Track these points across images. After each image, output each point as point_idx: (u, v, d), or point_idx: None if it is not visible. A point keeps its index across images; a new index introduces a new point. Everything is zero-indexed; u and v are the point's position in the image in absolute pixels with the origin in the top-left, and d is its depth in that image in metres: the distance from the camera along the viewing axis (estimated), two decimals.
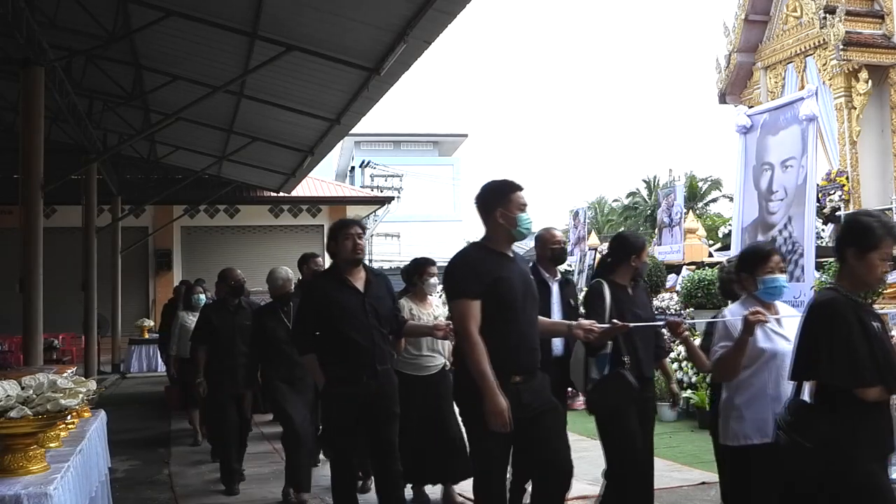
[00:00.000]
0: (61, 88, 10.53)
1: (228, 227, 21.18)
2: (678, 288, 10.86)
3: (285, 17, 8.49)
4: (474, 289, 3.43)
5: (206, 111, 12.30)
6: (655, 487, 4.36)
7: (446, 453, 5.20)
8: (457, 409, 3.84)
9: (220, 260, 16.01)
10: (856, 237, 2.91)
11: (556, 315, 4.80)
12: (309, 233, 21.55)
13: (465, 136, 44.47)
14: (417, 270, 5.46)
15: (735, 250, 8.51)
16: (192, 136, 14.70)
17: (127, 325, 16.89)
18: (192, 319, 7.63)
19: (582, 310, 4.65)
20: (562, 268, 5.48)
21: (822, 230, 13.39)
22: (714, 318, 4.06)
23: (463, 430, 3.93)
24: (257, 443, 7.50)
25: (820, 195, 12.88)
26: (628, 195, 40.54)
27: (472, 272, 3.48)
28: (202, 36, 9.64)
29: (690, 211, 19.72)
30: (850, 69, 13.98)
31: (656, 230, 16.09)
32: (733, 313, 3.52)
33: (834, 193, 14.13)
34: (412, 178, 37.31)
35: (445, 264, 3.69)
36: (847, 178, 14.15)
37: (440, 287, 5.60)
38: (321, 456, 6.42)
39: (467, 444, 3.72)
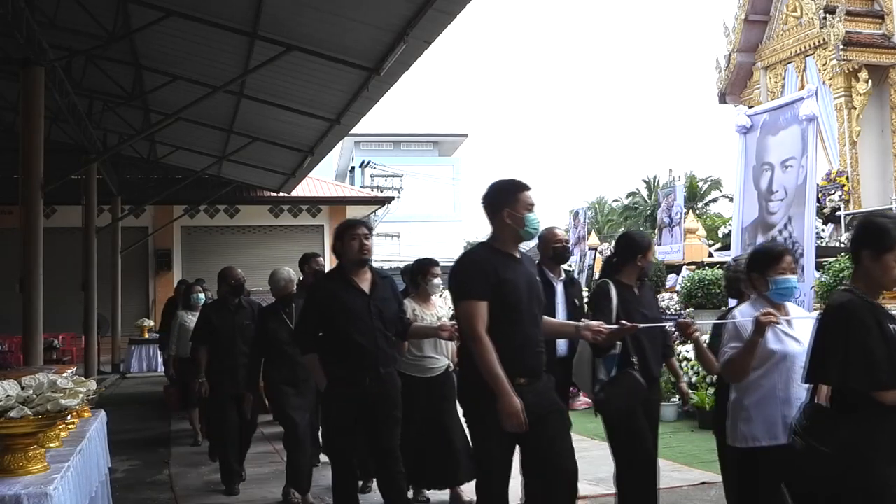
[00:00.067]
0: (61, 88, 10.53)
1: (228, 227, 21.17)
2: (678, 288, 10.86)
3: (285, 17, 8.49)
4: (481, 290, 3.40)
5: (206, 111, 12.30)
6: None
7: (447, 457, 5.18)
8: (460, 410, 3.81)
9: (220, 260, 15.98)
10: (872, 238, 2.86)
11: (561, 315, 4.78)
12: (309, 233, 21.55)
13: (465, 136, 44.55)
14: (421, 271, 5.40)
15: (735, 250, 8.50)
16: (192, 136, 14.70)
17: (127, 325, 16.88)
18: (191, 319, 7.62)
19: (587, 310, 4.63)
20: (563, 267, 5.47)
21: (822, 230, 13.41)
22: (721, 318, 4.04)
23: (466, 432, 3.90)
24: (257, 443, 7.49)
25: (820, 195, 12.89)
26: (628, 195, 40.55)
27: (478, 273, 3.45)
28: (202, 36, 9.64)
29: (690, 211, 19.73)
30: (850, 69, 13.99)
31: (656, 230, 16.08)
32: (744, 314, 3.47)
33: (834, 193, 14.14)
34: (412, 178, 37.33)
35: (447, 264, 3.68)
36: (847, 178, 14.16)
37: (442, 287, 5.60)
38: (322, 457, 6.40)
39: (471, 445, 3.69)
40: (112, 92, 12.24)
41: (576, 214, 17.37)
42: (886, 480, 2.70)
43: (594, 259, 14.48)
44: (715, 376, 7.71)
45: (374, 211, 23.94)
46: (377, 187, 35.48)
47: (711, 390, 7.70)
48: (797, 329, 3.43)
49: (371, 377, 4.15)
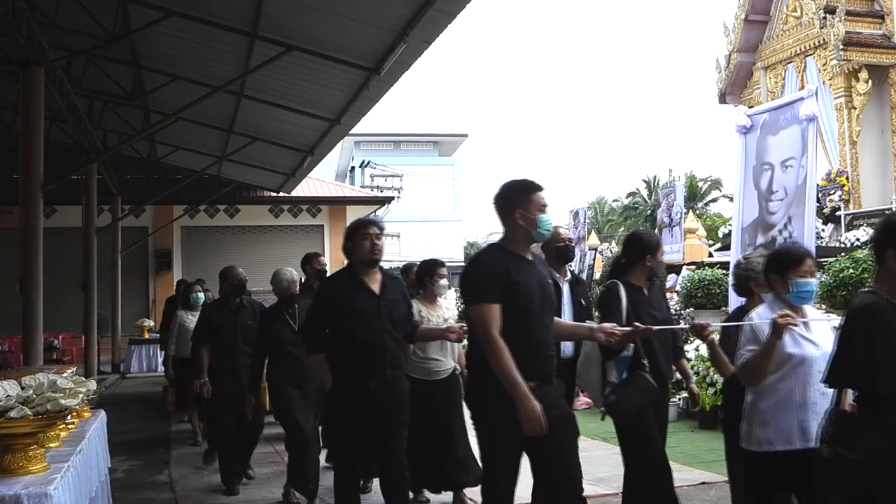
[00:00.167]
0: (61, 88, 10.53)
1: (228, 227, 21.18)
2: (678, 288, 10.87)
3: (285, 17, 8.49)
4: (494, 292, 3.35)
5: (206, 111, 12.30)
6: None
7: (448, 460, 5.15)
8: (467, 413, 3.75)
9: (220, 260, 15.96)
10: None
11: (567, 315, 4.74)
12: (309, 233, 21.56)
13: (465, 136, 44.51)
14: (428, 272, 5.33)
15: (735, 250, 8.50)
16: (192, 136, 14.70)
17: (127, 325, 16.87)
18: (190, 319, 7.61)
19: (596, 311, 4.58)
20: (568, 267, 5.46)
21: (822, 230, 13.41)
22: (730, 319, 4.00)
23: (470, 438, 3.85)
24: (257, 443, 7.48)
25: (820, 195, 12.89)
26: (628, 195, 40.57)
27: (491, 275, 3.39)
28: (202, 36, 9.64)
29: (690, 211, 19.74)
30: (850, 69, 13.99)
31: (656, 230, 16.08)
32: (761, 316, 3.40)
33: (834, 193, 14.14)
34: (412, 178, 37.31)
35: (449, 264, 3.64)
36: (847, 178, 14.16)
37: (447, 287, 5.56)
38: (323, 461, 6.37)
39: (473, 450, 3.62)
40: (112, 92, 12.24)
41: (576, 214, 17.35)
42: None
43: (594, 259, 14.48)
44: (715, 376, 7.76)
45: (374, 211, 23.93)
46: (377, 187, 35.47)
47: (711, 390, 7.71)
48: (815, 332, 3.37)
49: (378, 379, 4.10)
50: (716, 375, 7.79)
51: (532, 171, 77.40)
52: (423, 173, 38.20)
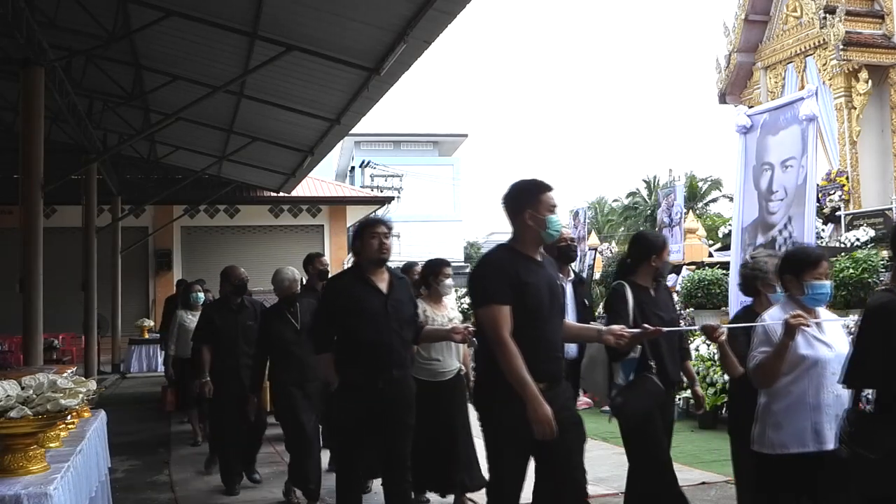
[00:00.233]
0: (61, 88, 10.53)
1: (228, 227, 21.18)
2: (678, 288, 10.86)
3: (285, 17, 8.49)
4: (504, 293, 3.30)
5: (206, 111, 12.30)
6: None
7: (450, 463, 5.13)
8: (474, 414, 3.73)
9: (221, 260, 15.98)
10: None
11: (570, 315, 4.71)
12: (309, 233, 21.56)
13: (465, 136, 44.54)
14: (433, 271, 5.30)
15: (735, 250, 8.50)
16: (192, 136, 14.70)
17: (127, 325, 16.88)
18: (190, 318, 7.61)
19: (602, 312, 4.57)
20: (571, 267, 5.45)
21: (822, 230, 13.39)
22: (736, 320, 3.98)
23: (475, 440, 3.82)
24: (261, 445, 7.48)
25: (820, 195, 12.87)
26: (628, 195, 40.55)
27: (500, 276, 3.34)
28: (202, 36, 9.63)
29: (690, 211, 19.73)
30: (850, 69, 13.98)
31: (656, 230, 16.08)
32: (773, 317, 3.37)
33: (834, 193, 14.13)
34: (412, 178, 37.30)
35: (454, 264, 3.62)
36: (847, 178, 14.15)
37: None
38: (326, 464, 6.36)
39: (479, 454, 3.60)
40: (112, 92, 12.24)
41: (576, 214, 17.35)
42: None
43: (594, 259, 14.48)
44: (715, 376, 7.76)
45: (374, 211, 23.93)
46: (377, 187, 35.45)
47: (711, 390, 7.71)
48: (828, 334, 3.35)
49: (384, 380, 4.05)
50: (716, 375, 7.79)
51: (532, 171, 77.42)
52: (423, 173, 38.20)
